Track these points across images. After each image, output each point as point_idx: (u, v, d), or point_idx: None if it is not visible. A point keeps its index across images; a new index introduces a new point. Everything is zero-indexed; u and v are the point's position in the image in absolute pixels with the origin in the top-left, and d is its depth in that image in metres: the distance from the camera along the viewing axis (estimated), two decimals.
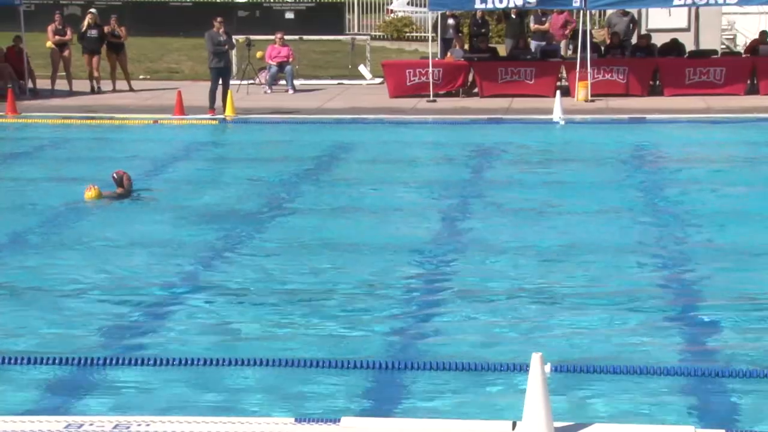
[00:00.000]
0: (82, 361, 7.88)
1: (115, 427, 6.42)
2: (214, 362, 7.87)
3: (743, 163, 16.74)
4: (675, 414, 7.02)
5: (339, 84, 26.68)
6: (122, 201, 13.80)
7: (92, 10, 26.32)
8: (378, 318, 9.19)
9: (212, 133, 20.65)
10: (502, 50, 26.31)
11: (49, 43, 25.02)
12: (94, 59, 25.03)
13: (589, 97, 22.77)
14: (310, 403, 7.26)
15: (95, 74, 25.12)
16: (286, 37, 25.99)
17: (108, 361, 7.91)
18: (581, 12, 23.49)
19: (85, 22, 25.33)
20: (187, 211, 13.34)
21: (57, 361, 7.85)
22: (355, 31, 34.28)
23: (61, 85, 24.93)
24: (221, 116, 21.53)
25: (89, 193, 13.75)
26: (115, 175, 14.01)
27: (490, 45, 26.08)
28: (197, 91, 23.18)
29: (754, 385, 7.52)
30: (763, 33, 24.38)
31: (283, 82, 25.59)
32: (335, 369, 7.86)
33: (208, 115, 21.58)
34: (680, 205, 13.50)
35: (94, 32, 24.97)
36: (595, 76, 23.17)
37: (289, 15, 33.52)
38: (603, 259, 10.92)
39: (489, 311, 9.34)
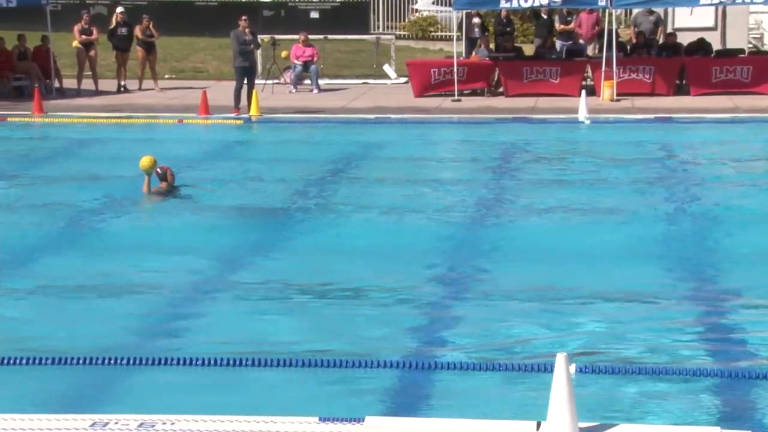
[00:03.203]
0: (109, 361, 7.91)
1: (140, 426, 6.44)
2: (239, 362, 7.88)
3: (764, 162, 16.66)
4: (701, 414, 6.99)
5: (364, 83, 26.68)
6: (165, 199, 13.85)
7: (120, 8, 26.43)
8: (403, 317, 9.20)
9: (237, 133, 20.70)
10: (528, 50, 26.24)
11: (75, 43, 25.14)
12: (124, 57, 25.19)
13: (615, 97, 22.69)
14: (335, 403, 7.27)
15: (123, 72, 25.26)
16: (311, 37, 26.01)
17: (134, 361, 7.93)
18: (606, 11, 23.38)
19: (114, 20, 25.47)
20: (217, 210, 13.38)
21: (83, 361, 7.89)
22: (380, 30, 34.26)
23: (87, 84, 25.04)
24: (246, 115, 21.58)
25: (145, 161, 13.78)
26: (159, 170, 14.03)
27: (515, 44, 26.02)
28: (222, 91, 23.24)
29: None
30: None
31: (307, 81, 25.61)
32: (360, 368, 7.87)
33: (233, 115, 21.63)
34: (707, 206, 13.44)
35: (123, 30, 25.11)
36: (621, 75, 23.07)
37: (314, 14, 33.51)
38: (627, 259, 10.88)
39: (513, 311, 9.33)
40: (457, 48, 24.39)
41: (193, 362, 7.88)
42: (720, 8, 25.36)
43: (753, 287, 9.89)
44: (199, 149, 18.12)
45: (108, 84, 25.36)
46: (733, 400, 7.32)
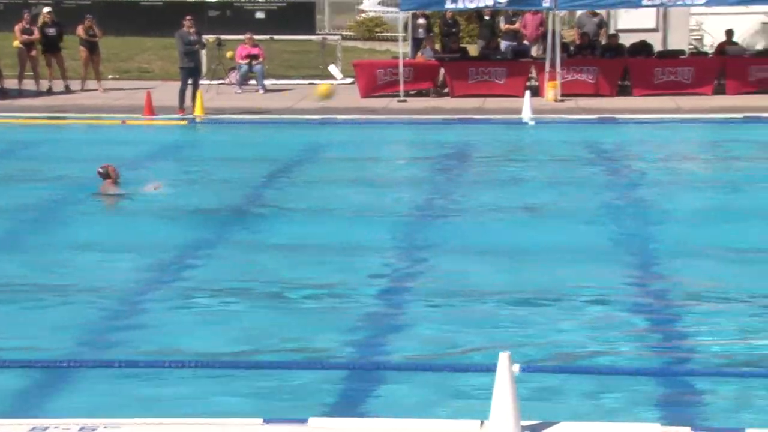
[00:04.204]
0: (53, 364, 7.84)
1: (81, 430, 6.38)
2: (182, 364, 7.83)
3: (711, 162, 16.88)
4: (641, 412, 7.05)
5: (310, 84, 26.60)
6: (111, 199, 13.74)
7: (47, 8, 26.16)
8: (348, 318, 9.18)
9: (182, 134, 20.58)
10: (473, 50, 26.36)
11: (16, 43, 24.84)
12: (55, 58, 24.95)
13: (559, 97, 22.86)
14: (279, 404, 7.26)
15: (51, 73, 25.01)
16: (257, 37, 25.94)
17: (74, 363, 7.86)
18: (551, 12, 23.55)
19: (41, 21, 25.20)
20: (160, 211, 13.29)
21: (24, 365, 7.81)
22: (327, 31, 34.24)
23: (29, 84, 24.76)
24: (191, 116, 21.46)
25: (322, 88, 13.60)
26: (100, 169, 13.91)
27: (461, 45, 26.13)
28: (168, 91, 23.09)
29: (721, 384, 7.57)
30: (728, 32, 24.55)
31: (253, 81, 25.53)
32: (304, 370, 7.87)
33: (177, 116, 21.51)
34: (650, 205, 13.58)
35: (51, 30, 24.88)
36: (565, 76, 23.25)
37: (260, 15, 33.38)
38: (573, 259, 10.94)
39: (457, 310, 9.37)
40: (403, 49, 24.44)
41: (134, 365, 7.83)
42: (662, 10, 25.65)
43: (695, 285, 10.00)
44: (142, 150, 17.99)
45: (52, 85, 25.06)
46: (673, 398, 7.40)
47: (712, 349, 8.33)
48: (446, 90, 24.37)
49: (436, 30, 26.94)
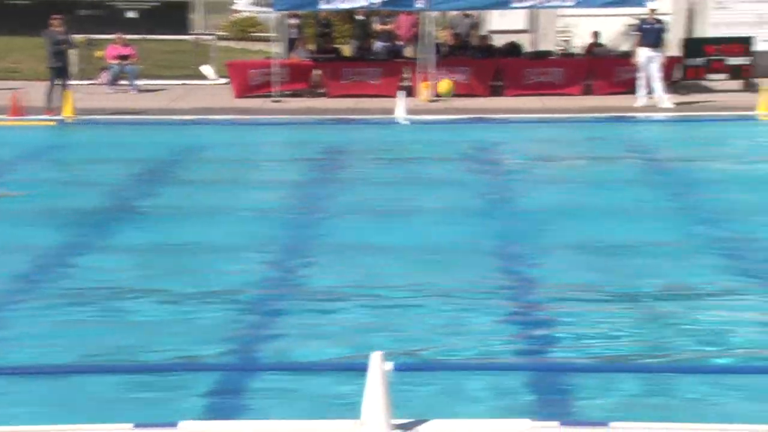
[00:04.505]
0: None
1: None
2: (53, 370, 7.70)
3: (578, 160, 17.22)
4: (512, 407, 7.17)
5: (183, 84, 26.38)
6: None
7: None
8: (219, 319, 9.13)
9: (49, 134, 20.13)
10: (347, 51, 26.43)
11: None
12: None
13: (433, 97, 23.08)
14: (149, 409, 7.17)
15: None
16: (130, 37, 25.55)
17: None
18: (424, 13, 23.75)
19: None
20: (29, 214, 13.00)
21: None
22: (200, 30, 33.90)
23: None
24: (59, 117, 21.03)
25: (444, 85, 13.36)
26: None
27: (335, 45, 26.18)
28: (38, 92, 22.55)
29: (587, 378, 7.75)
30: (595, 33, 25.13)
31: (125, 82, 25.15)
32: (174, 373, 7.80)
33: (45, 116, 21.04)
34: (521, 203, 13.81)
35: None
36: (438, 76, 23.48)
37: (132, 14, 32.85)
38: (445, 257, 11.08)
39: (330, 309, 9.38)
40: (277, 49, 24.36)
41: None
42: (532, 11, 26.11)
43: (562, 280, 10.20)
44: (8, 152, 17.55)
45: None
46: (543, 393, 7.54)
47: (579, 344, 8.51)
48: (321, 90, 24.38)
49: (311, 31, 26.92)
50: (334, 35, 27.16)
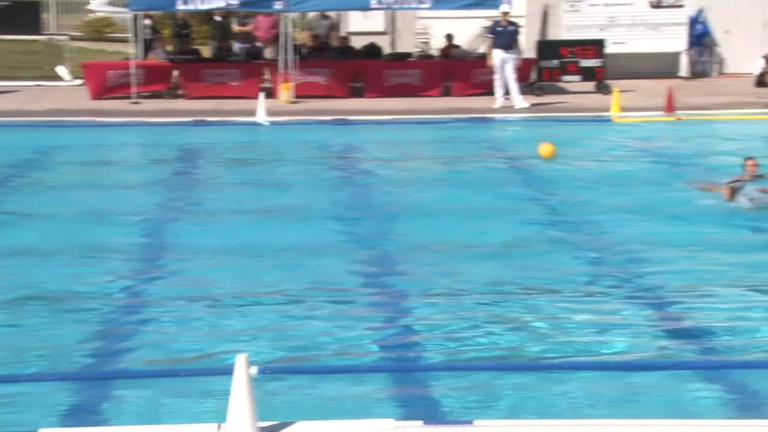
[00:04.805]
0: None
1: None
2: None
3: (438, 161, 17.45)
4: (377, 408, 7.22)
5: (37, 85, 25.73)
6: None
7: None
8: (81, 326, 8.96)
9: None
10: (206, 52, 26.18)
11: None
12: None
13: (293, 99, 23.05)
14: (7, 417, 7.01)
15: None
16: None
17: None
18: (283, 14, 23.69)
19: None
20: None
21: None
22: (54, 30, 33.13)
23: None
24: None
25: (545, 148, 12.92)
26: None
27: (194, 47, 25.91)
28: None
29: (451, 378, 7.85)
30: (448, 36, 25.45)
31: None
32: (35, 382, 7.64)
33: None
34: (383, 203, 13.92)
35: None
36: (298, 78, 23.47)
37: None
38: (307, 259, 11.09)
39: (196, 313, 9.31)
40: (135, 49, 23.99)
41: None
42: (390, 13, 26.32)
43: (421, 281, 10.31)
44: None
45: None
46: (407, 393, 7.62)
47: (444, 344, 8.62)
48: (181, 92, 24.10)
49: (168, 31, 26.57)
50: (193, 36, 26.86)
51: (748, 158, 13.60)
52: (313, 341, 8.66)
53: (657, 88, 23.31)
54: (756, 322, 8.94)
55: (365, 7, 23.80)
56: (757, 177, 13.61)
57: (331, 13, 26.09)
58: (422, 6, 23.61)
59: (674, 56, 26.52)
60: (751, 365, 7.96)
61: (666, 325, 9.01)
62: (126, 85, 23.29)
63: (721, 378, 7.77)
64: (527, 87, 23.62)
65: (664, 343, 8.59)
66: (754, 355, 8.23)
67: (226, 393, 6.48)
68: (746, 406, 7.24)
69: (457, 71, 24.42)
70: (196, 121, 21.06)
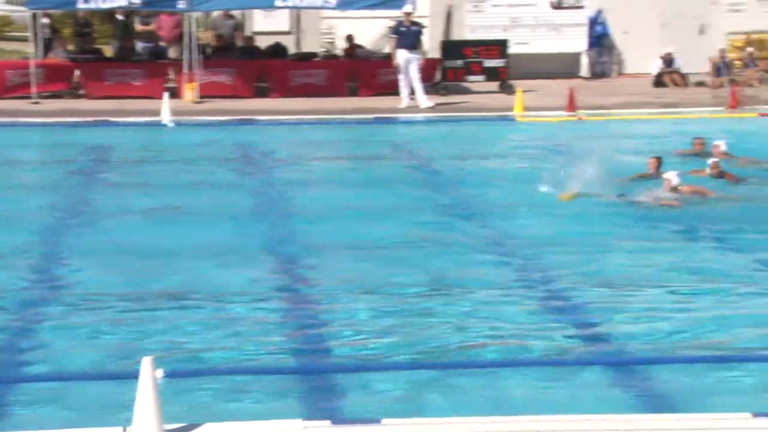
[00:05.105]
0: None
1: None
2: None
3: (344, 161, 17.51)
4: (285, 409, 7.22)
5: None
6: None
7: None
8: None
9: None
10: (109, 51, 25.84)
11: None
12: None
13: (198, 99, 22.89)
14: None
15: None
16: None
17: None
18: (186, 14, 23.50)
19: None
20: None
21: None
22: None
23: None
24: None
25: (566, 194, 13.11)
26: None
27: (96, 46, 25.56)
28: None
29: (359, 377, 7.89)
30: (349, 36, 25.49)
31: None
32: None
33: None
34: (287, 203, 13.91)
35: None
36: (203, 78, 23.31)
37: None
38: (204, 260, 10.99)
39: (105, 316, 9.24)
40: (34, 49, 23.58)
41: None
42: (295, 13, 26.28)
43: (332, 280, 10.34)
44: None
45: None
46: (313, 393, 7.63)
47: (350, 344, 8.66)
48: (82, 92, 23.75)
49: (68, 30, 26.17)
50: (94, 35, 26.49)
51: (651, 157, 13.88)
52: (218, 343, 8.62)
53: (559, 88, 23.66)
54: (649, 321, 9.13)
55: (270, 6, 23.74)
56: (658, 174, 13.91)
57: (236, 13, 25.96)
58: (327, 5, 23.63)
59: (575, 57, 26.95)
60: (645, 361, 8.13)
61: (562, 323, 9.15)
62: (26, 85, 22.89)
63: (615, 374, 7.93)
64: (432, 87, 23.78)
65: (559, 340, 8.74)
66: (653, 353, 8.42)
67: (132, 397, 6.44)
68: (638, 401, 7.41)
69: (362, 71, 24.49)
70: (98, 121, 20.79)
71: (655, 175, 14.19)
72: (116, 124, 20.66)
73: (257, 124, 20.97)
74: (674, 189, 13.29)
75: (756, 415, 6.48)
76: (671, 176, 13.38)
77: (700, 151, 16.34)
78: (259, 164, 16.91)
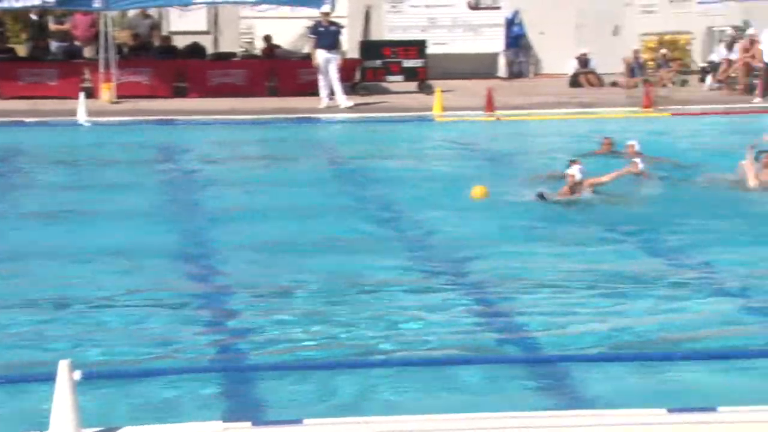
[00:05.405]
0: None
1: None
2: None
3: (264, 161, 17.47)
4: (206, 411, 7.18)
5: None
6: None
7: None
8: None
9: None
10: (22, 51, 25.45)
11: None
12: None
13: (115, 99, 22.65)
14: None
15: None
16: None
17: None
18: (102, 13, 23.22)
19: None
20: None
21: None
22: None
23: None
24: None
25: (478, 191, 12.89)
26: None
27: (9, 45, 25.15)
28: None
29: (280, 378, 7.88)
30: (266, 37, 25.40)
31: None
32: None
33: None
34: (205, 203, 13.84)
35: None
36: (120, 77, 23.06)
37: None
38: (125, 261, 10.89)
39: (17, 319, 9.07)
40: None
41: None
42: (212, 13, 26.13)
43: (247, 281, 10.29)
44: None
45: None
46: (235, 395, 7.60)
47: (271, 343, 8.64)
48: None
49: None
50: (7, 35, 26.06)
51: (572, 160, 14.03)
52: (137, 345, 8.55)
53: (477, 88, 23.85)
54: (568, 316, 9.25)
55: (187, 3, 23.58)
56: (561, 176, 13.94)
57: (153, 12, 25.72)
58: (246, 1, 23.55)
59: (493, 57, 27.18)
60: (568, 359, 8.24)
61: (476, 322, 9.23)
62: None
63: (532, 372, 8.03)
64: (351, 87, 23.82)
65: (483, 337, 8.82)
66: (570, 350, 8.53)
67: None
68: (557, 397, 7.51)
69: (281, 71, 24.44)
70: (12, 121, 20.46)
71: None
72: (30, 124, 20.35)
73: (175, 124, 20.81)
74: (576, 185, 13.42)
75: (671, 410, 6.60)
76: (574, 171, 13.55)
77: (609, 150, 16.59)
78: (177, 165, 16.78)
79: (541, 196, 13.41)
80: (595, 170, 14.13)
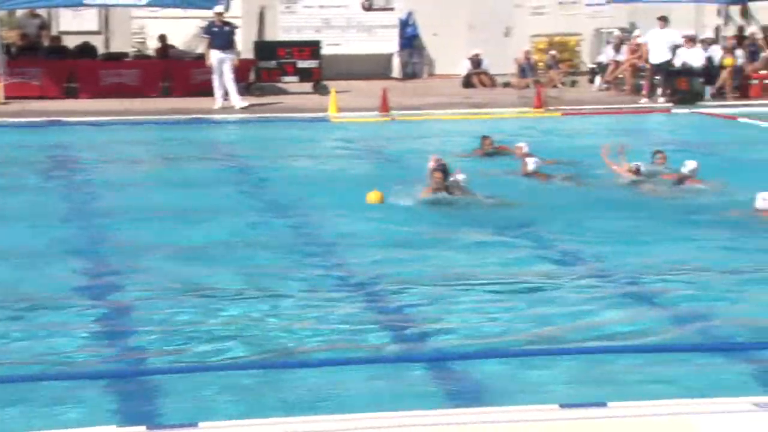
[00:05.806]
0: None
1: None
2: None
3: (158, 162, 17.32)
4: (98, 415, 7.12)
5: None
6: None
7: None
8: None
9: None
10: None
11: None
12: None
13: (3, 100, 22.24)
14: None
15: None
16: None
17: None
18: None
19: None
20: None
21: None
22: None
23: None
24: None
25: (373, 196, 13.09)
26: None
27: None
28: None
29: (174, 382, 7.85)
30: (162, 36, 25.23)
31: None
32: None
33: None
34: (97, 205, 13.69)
35: None
36: (8, 78, 22.65)
37: None
38: (27, 262, 10.74)
39: None
40: None
41: None
42: (103, 13, 25.82)
43: (147, 283, 10.21)
44: None
45: None
46: (129, 398, 7.54)
47: (167, 345, 8.59)
48: None
49: None
50: None
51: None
52: (29, 348, 8.43)
53: (372, 88, 23.99)
54: (460, 314, 9.37)
55: (78, 4, 23.26)
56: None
57: (42, 12, 25.30)
58: (137, 3, 23.31)
59: (387, 58, 27.37)
60: (465, 356, 8.34)
61: (380, 322, 9.31)
62: None
63: (429, 370, 8.12)
64: (246, 88, 23.76)
65: (378, 339, 8.90)
66: (468, 346, 8.65)
67: None
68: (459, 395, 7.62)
69: (175, 71, 24.27)
70: None
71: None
72: None
73: (66, 125, 20.50)
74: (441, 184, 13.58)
75: (563, 406, 6.74)
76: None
77: (490, 149, 16.80)
78: (68, 166, 16.54)
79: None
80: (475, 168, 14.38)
